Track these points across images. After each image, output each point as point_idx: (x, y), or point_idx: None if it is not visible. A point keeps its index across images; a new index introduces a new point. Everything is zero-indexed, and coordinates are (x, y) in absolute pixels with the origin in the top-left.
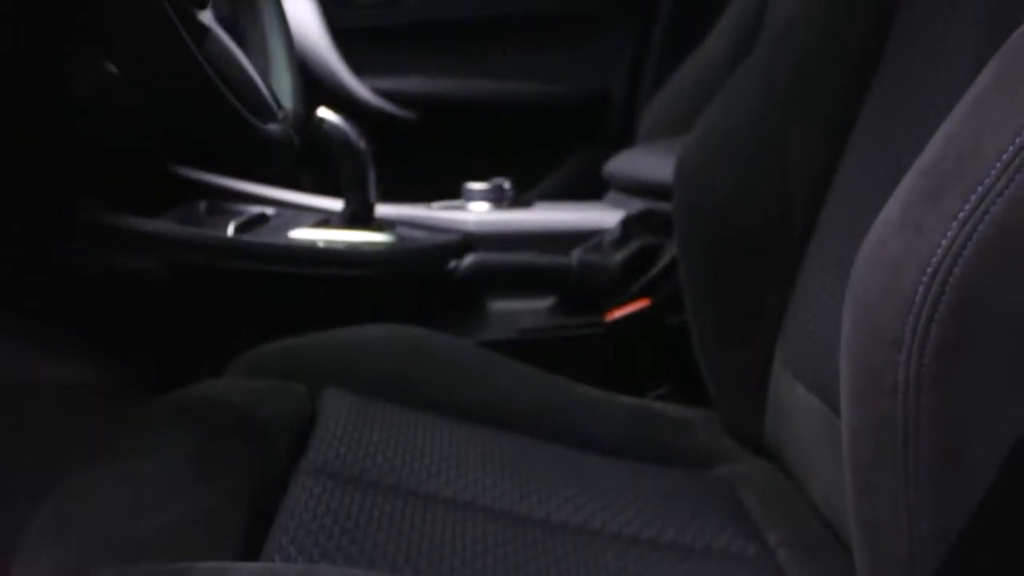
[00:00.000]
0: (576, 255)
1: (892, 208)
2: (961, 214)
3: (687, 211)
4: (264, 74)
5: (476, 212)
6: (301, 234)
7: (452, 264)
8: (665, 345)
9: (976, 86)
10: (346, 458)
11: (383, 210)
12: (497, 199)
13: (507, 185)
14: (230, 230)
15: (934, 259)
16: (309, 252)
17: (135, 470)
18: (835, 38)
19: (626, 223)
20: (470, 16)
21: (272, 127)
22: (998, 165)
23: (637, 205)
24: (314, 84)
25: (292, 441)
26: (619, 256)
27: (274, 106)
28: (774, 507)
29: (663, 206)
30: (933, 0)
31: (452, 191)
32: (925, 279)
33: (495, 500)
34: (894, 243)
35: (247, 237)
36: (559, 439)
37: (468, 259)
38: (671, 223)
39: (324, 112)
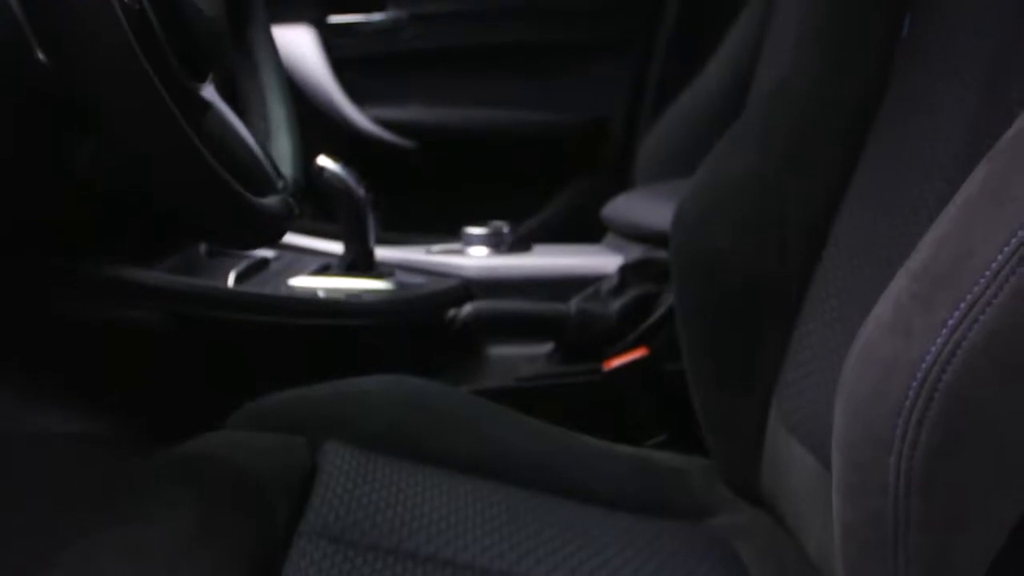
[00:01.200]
0: (574, 303)
1: (884, 307)
2: (951, 321)
3: (684, 263)
4: (264, 139)
5: (475, 257)
6: (301, 282)
7: (451, 313)
8: (663, 394)
9: (967, 188)
10: (345, 520)
11: (383, 253)
12: (496, 243)
13: (506, 229)
14: (231, 278)
15: (924, 364)
16: (309, 303)
17: (135, 543)
18: (830, 98)
19: (624, 271)
20: (469, 45)
21: (271, 200)
22: (987, 273)
23: (635, 252)
24: (314, 114)
25: (292, 501)
26: (617, 305)
27: (274, 176)
28: (770, 560)
29: (660, 254)
30: (926, 65)
31: (451, 219)
32: (915, 384)
33: (493, 560)
34: (886, 345)
35: (247, 286)
36: (558, 492)
37: (467, 308)
38: (668, 271)
39: (324, 160)
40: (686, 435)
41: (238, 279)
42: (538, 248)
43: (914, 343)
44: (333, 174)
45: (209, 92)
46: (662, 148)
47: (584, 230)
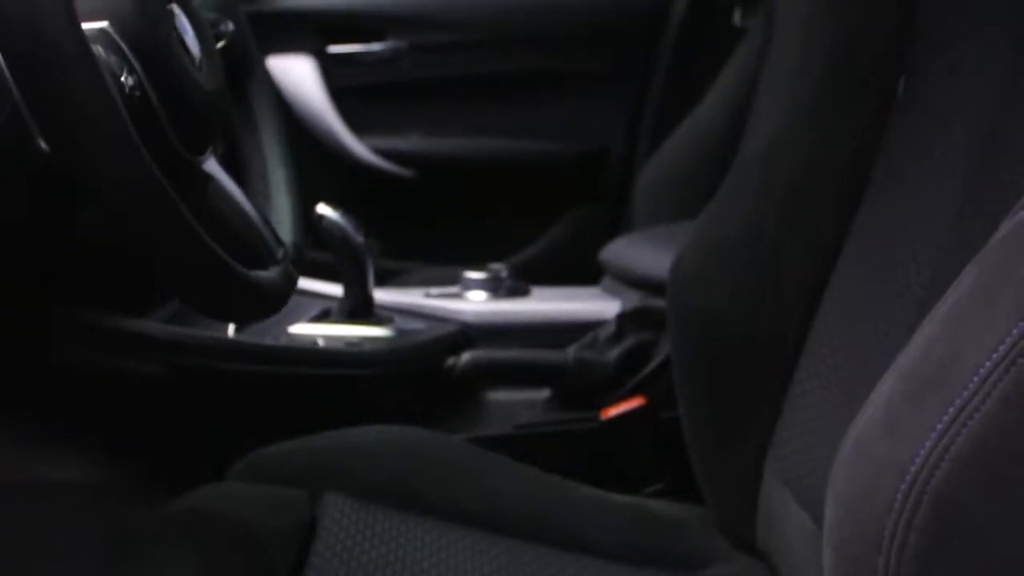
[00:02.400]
0: (572, 352)
1: (875, 406)
2: (939, 425)
3: (682, 318)
4: (264, 200)
5: (474, 301)
6: (301, 329)
7: (450, 361)
8: (660, 442)
9: (956, 288)
10: None
11: (381, 297)
12: (494, 288)
13: (504, 273)
14: (230, 327)
15: (913, 468)
16: (309, 353)
17: None
18: (826, 158)
19: (621, 319)
20: (468, 75)
21: (271, 273)
22: (976, 379)
23: (632, 297)
24: (314, 144)
25: (292, 558)
26: (614, 353)
27: (274, 246)
28: None
29: (657, 303)
30: (919, 128)
31: (450, 248)
32: (904, 486)
33: None
34: (876, 445)
35: (246, 335)
36: (556, 544)
37: (466, 356)
38: (665, 320)
39: (323, 208)
40: (684, 483)
41: (237, 328)
42: (536, 291)
43: (904, 445)
44: (332, 222)
45: (210, 164)
46: (661, 178)
47: (583, 259)
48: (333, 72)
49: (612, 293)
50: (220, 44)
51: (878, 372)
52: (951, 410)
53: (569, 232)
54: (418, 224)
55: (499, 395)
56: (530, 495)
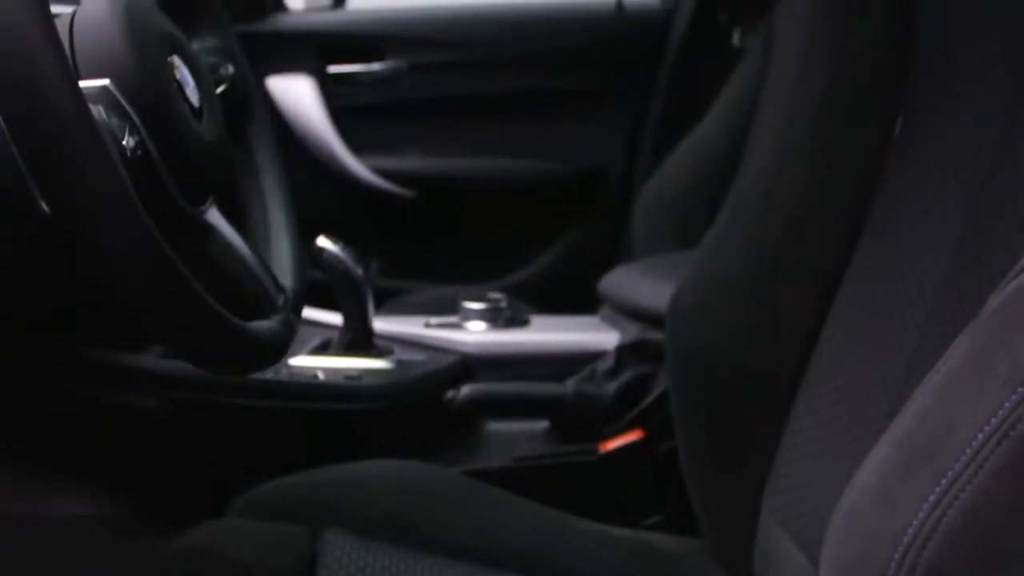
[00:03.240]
0: (570, 385)
1: (868, 474)
2: (932, 497)
3: (680, 353)
4: (264, 244)
5: (473, 332)
6: (301, 361)
7: (450, 394)
8: (658, 476)
9: (949, 359)
10: None
11: (381, 326)
12: (493, 318)
13: (503, 303)
14: None
15: (905, 538)
16: (308, 387)
17: None
18: (823, 198)
19: (620, 352)
20: (467, 94)
21: (271, 323)
22: (968, 451)
23: (630, 328)
24: (313, 163)
25: None
26: (613, 386)
27: (275, 294)
28: None
29: (656, 335)
30: (915, 169)
31: (449, 267)
32: (896, 556)
33: None
34: (869, 515)
35: None
36: None
37: (465, 389)
38: (663, 353)
39: (323, 241)
40: (682, 516)
41: None
42: (536, 321)
43: (897, 515)
44: (332, 255)
45: (210, 214)
46: (661, 197)
47: (582, 278)
48: (332, 92)
49: (611, 323)
50: (220, 88)
51: (872, 419)
52: (943, 482)
53: (568, 251)
54: (417, 243)
55: (498, 427)
56: (529, 530)
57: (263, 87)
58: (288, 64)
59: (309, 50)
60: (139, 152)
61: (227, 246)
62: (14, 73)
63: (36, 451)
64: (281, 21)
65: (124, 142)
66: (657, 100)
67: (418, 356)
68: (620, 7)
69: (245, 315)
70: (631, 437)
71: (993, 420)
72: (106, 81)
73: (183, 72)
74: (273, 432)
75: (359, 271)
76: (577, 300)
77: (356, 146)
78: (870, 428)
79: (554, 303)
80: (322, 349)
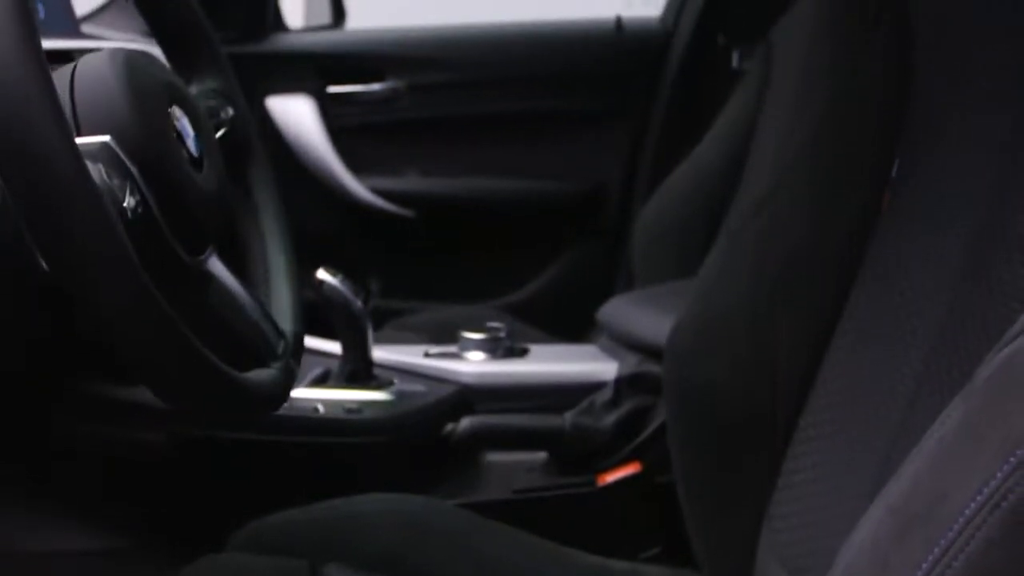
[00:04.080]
0: (569, 418)
1: (864, 534)
2: (925, 564)
3: (678, 391)
4: (264, 287)
5: (472, 362)
6: (301, 393)
7: (449, 427)
8: (656, 508)
9: (943, 425)
10: None
11: (381, 355)
12: (492, 349)
13: (503, 333)
14: None
15: None
16: (308, 421)
17: None
18: (820, 237)
19: (618, 384)
20: (467, 114)
21: (272, 369)
22: (961, 520)
23: (629, 360)
24: (313, 184)
25: None
26: (611, 419)
27: (275, 340)
28: None
29: (654, 368)
30: (911, 212)
31: (449, 288)
32: None
33: None
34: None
35: None
36: None
37: (464, 422)
38: (661, 385)
39: (323, 274)
40: (680, 549)
41: None
42: (534, 351)
43: None
44: (332, 287)
45: (211, 263)
46: (661, 217)
47: (581, 297)
48: (332, 112)
49: (609, 353)
50: (220, 132)
51: (869, 462)
52: (936, 550)
53: (568, 270)
54: (417, 263)
55: (497, 458)
56: (528, 563)
57: (263, 107)
58: (288, 84)
59: (309, 70)
60: (140, 210)
61: (227, 294)
62: (12, 134)
63: (36, 485)
64: (281, 41)
65: (125, 203)
66: (656, 120)
67: (418, 387)
68: (619, 27)
69: (245, 363)
70: (629, 470)
71: (985, 490)
72: (107, 138)
73: (183, 123)
74: (273, 466)
75: (359, 303)
76: (576, 320)
77: (356, 166)
78: (867, 470)
79: (553, 322)
80: (322, 380)
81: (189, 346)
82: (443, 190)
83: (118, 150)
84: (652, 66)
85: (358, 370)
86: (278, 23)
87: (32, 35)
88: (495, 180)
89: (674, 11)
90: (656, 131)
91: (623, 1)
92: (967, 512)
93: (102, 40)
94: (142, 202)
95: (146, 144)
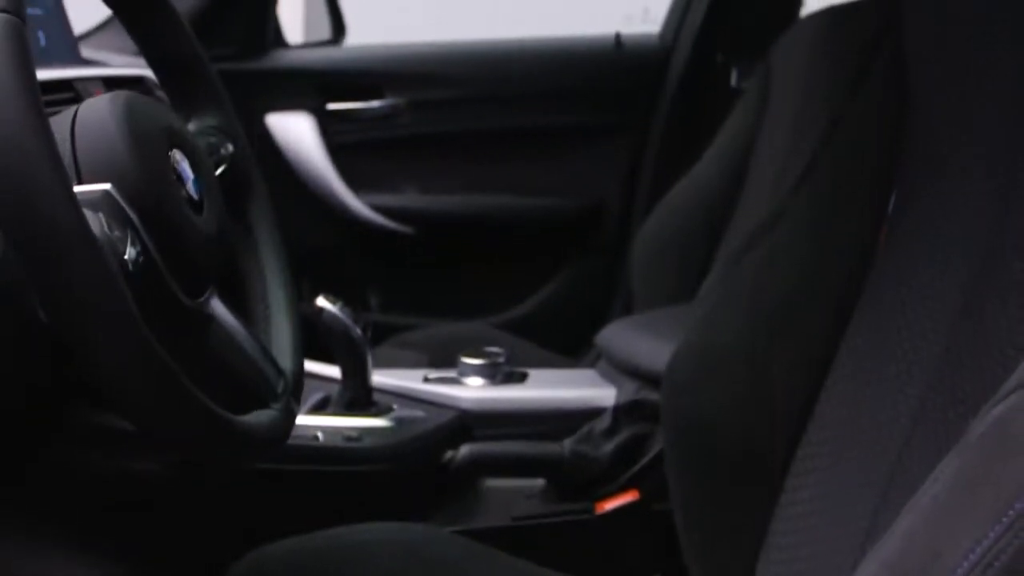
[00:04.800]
0: (568, 445)
1: None
2: None
3: (676, 423)
4: (265, 324)
5: (472, 387)
6: (300, 420)
7: (448, 455)
8: (654, 535)
9: (936, 482)
10: None
11: (380, 380)
12: (491, 374)
13: (502, 358)
14: None
15: None
16: (308, 450)
17: None
18: (817, 272)
19: (616, 412)
20: (466, 131)
21: (272, 410)
22: None
23: (627, 386)
24: (313, 200)
25: None
26: (609, 447)
27: (275, 379)
28: None
29: (652, 396)
30: (907, 248)
31: (448, 303)
32: None
33: None
34: None
35: None
36: None
37: (464, 450)
38: (659, 412)
39: (323, 302)
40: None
41: None
42: (533, 376)
43: None
44: (331, 315)
45: (211, 305)
46: (659, 236)
47: (580, 314)
48: (332, 129)
49: (608, 378)
50: (220, 169)
51: (864, 498)
52: None
53: (567, 286)
54: (416, 279)
55: (496, 484)
56: None
57: (263, 124)
58: (288, 101)
59: (309, 87)
60: (141, 260)
61: (227, 335)
62: (12, 189)
63: (34, 516)
64: (281, 58)
65: (126, 255)
66: (655, 136)
67: (417, 413)
68: (619, 44)
69: (246, 404)
70: (628, 498)
71: (978, 549)
72: (108, 186)
73: (183, 166)
74: (273, 494)
75: (358, 331)
76: (575, 336)
77: (355, 183)
78: (864, 505)
79: (553, 338)
80: (322, 407)
81: (190, 397)
82: (442, 207)
83: (119, 198)
84: (651, 83)
85: (358, 397)
86: (278, 39)
87: (32, 88)
88: (494, 196)
89: (673, 28)
90: (655, 147)
91: (623, 17)
92: (960, 572)
93: (102, 67)
94: (143, 251)
95: (146, 190)
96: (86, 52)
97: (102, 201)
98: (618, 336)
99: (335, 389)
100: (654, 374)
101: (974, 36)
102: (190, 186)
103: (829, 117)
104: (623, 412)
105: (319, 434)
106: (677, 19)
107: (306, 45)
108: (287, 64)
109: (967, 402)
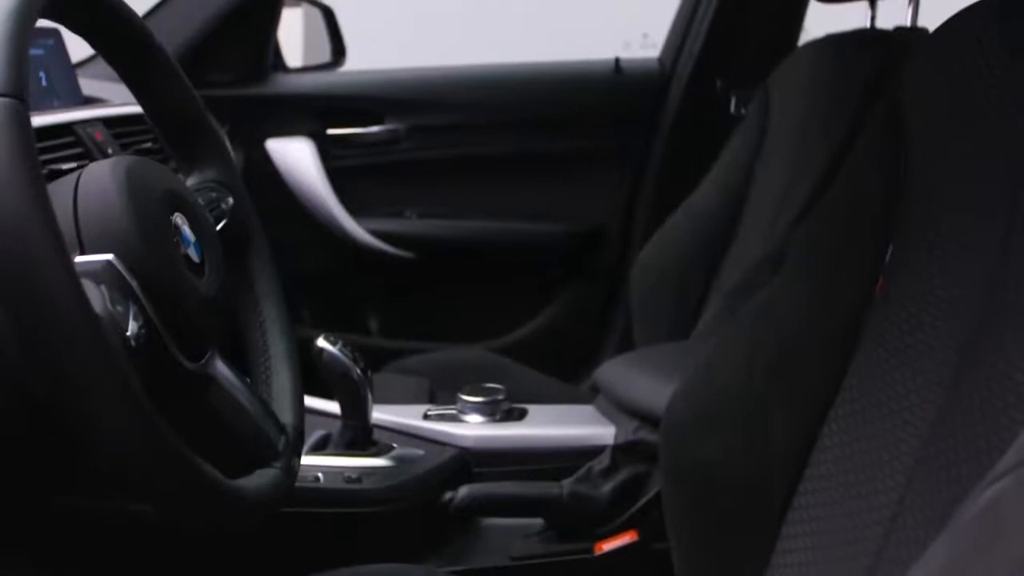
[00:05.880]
0: (567, 485)
1: None
2: None
3: (674, 467)
4: (265, 375)
5: (472, 424)
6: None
7: (448, 495)
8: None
9: (929, 562)
10: None
11: (380, 416)
12: (491, 412)
13: (501, 396)
14: None
15: None
16: (308, 492)
17: None
18: (816, 320)
19: (615, 452)
20: (465, 156)
21: (272, 470)
22: None
23: (626, 424)
24: (312, 225)
25: None
26: (608, 487)
27: (275, 436)
28: None
29: (650, 435)
30: (904, 300)
31: (449, 327)
32: None
33: None
34: None
35: None
36: None
37: (463, 491)
38: (657, 452)
39: (323, 343)
40: None
41: None
42: (533, 412)
43: None
44: (331, 355)
45: (212, 366)
46: (658, 262)
47: (579, 338)
48: (331, 154)
49: (607, 416)
50: (221, 224)
51: (861, 548)
52: None
53: (566, 311)
54: (416, 304)
55: (495, 523)
56: None
57: (263, 149)
58: (288, 127)
59: (309, 113)
60: (143, 333)
61: (228, 395)
62: (14, 272)
63: (39, 562)
64: (281, 84)
65: (128, 332)
66: (654, 161)
67: (417, 451)
68: (618, 69)
69: (246, 464)
70: (627, 538)
71: None
72: (110, 256)
73: (184, 230)
74: (273, 536)
75: (358, 372)
76: (574, 361)
77: (355, 208)
78: (861, 559)
79: (552, 363)
80: (322, 446)
81: (192, 469)
82: (442, 232)
83: (121, 268)
84: (651, 108)
85: (357, 437)
86: (277, 62)
87: (33, 171)
88: (494, 221)
89: (672, 54)
90: (654, 173)
91: (622, 43)
92: None
93: (102, 106)
94: (145, 324)
95: (148, 258)
96: (84, 83)
97: (104, 272)
98: (617, 374)
99: (335, 425)
100: (653, 414)
101: (974, 85)
102: (191, 250)
103: (827, 159)
104: (622, 452)
105: (320, 475)
106: (676, 45)
107: (306, 68)
108: (287, 90)
109: (960, 466)
